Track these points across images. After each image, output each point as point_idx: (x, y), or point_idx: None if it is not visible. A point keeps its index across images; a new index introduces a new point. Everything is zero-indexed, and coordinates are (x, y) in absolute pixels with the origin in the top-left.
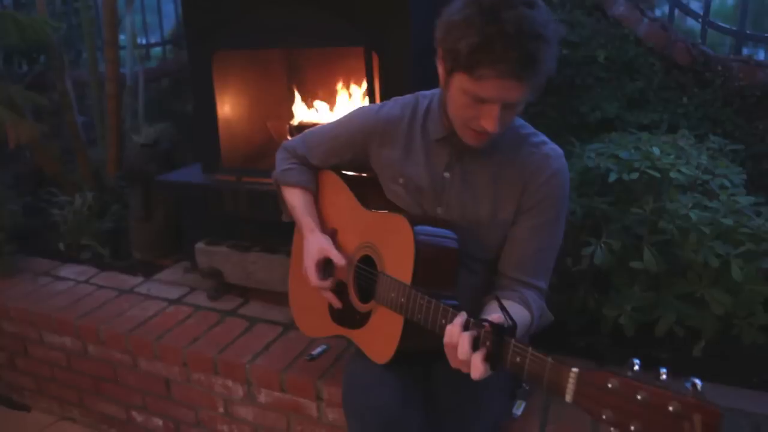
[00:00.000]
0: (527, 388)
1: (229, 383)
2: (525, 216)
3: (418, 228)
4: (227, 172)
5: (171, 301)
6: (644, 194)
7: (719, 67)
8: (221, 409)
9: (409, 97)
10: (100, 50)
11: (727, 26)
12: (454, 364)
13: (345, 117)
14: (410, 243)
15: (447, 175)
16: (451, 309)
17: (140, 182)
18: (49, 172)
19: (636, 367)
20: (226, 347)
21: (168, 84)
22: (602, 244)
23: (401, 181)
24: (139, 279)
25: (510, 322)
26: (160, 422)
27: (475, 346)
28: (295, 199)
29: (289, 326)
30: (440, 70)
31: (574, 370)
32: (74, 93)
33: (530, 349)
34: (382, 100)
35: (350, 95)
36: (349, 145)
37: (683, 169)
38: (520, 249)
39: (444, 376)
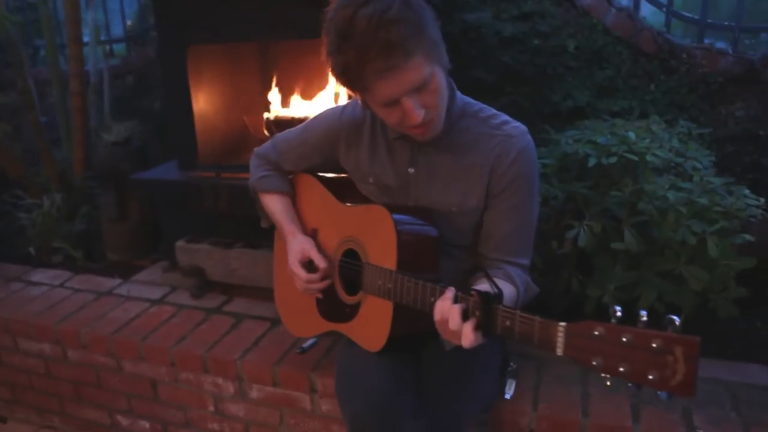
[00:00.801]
0: (515, 366)
1: (219, 381)
2: (497, 199)
3: (398, 217)
4: (205, 169)
5: (153, 302)
6: (622, 177)
7: (684, 55)
8: (211, 408)
9: None
10: (59, 47)
11: (690, 15)
12: (446, 337)
13: (310, 121)
14: (392, 231)
15: (411, 170)
16: (438, 287)
17: (113, 182)
18: (12, 175)
19: (618, 314)
20: (215, 345)
21: (133, 81)
22: (585, 227)
23: (371, 180)
24: (117, 281)
25: (496, 290)
26: (147, 425)
27: (465, 316)
28: (274, 204)
29: (277, 321)
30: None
31: (562, 324)
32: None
33: (518, 312)
34: None
35: (326, 88)
36: (317, 149)
37: (658, 153)
38: (498, 231)
39: (434, 359)
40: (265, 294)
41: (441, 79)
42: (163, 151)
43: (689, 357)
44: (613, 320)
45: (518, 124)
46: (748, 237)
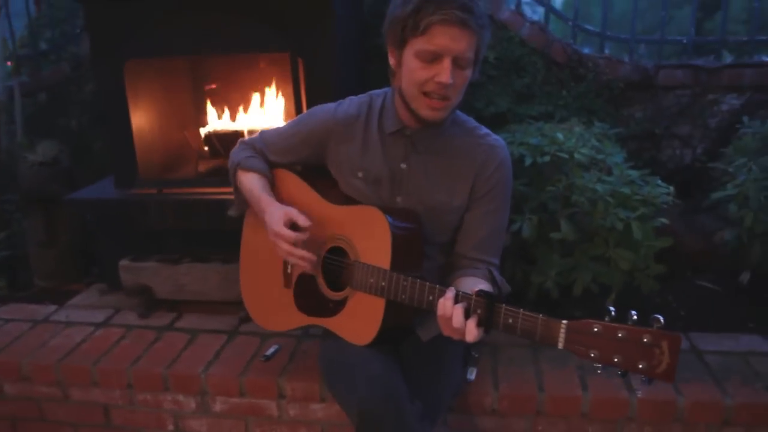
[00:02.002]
0: (476, 355)
1: (180, 397)
2: (479, 202)
3: (390, 218)
4: (146, 185)
5: (97, 325)
6: (554, 174)
7: (590, 64)
8: (171, 427)
9: (363, 96)
10: None
11: (592, 28)
12: (446, 332)
13: (304, 116)
14: (387, 232)
15: (404, 166)
16: (437, 286)
17: (40, 204)
18: None
19: (612, 313)
20: (174, 361)
21: (46, 98)
22: (527, 220)
23: (360, 174)
24: (52, 307)
25: (497, 290)
26: None
27: (466, 314)
28: (254, 182)
29: (234, 332)
30: (392, 59)
31: (564, 322)
32: None
33: (522, 310)
34: (308, 104)
35: (263, 101)
36: (307, 142)
37: (584, 151)
38: (477, 232)
39: (412, 351)
40: (216, 308)
41: (469, 77)
42: (89, 170)
43: (673, 350)
44: (607, 318)
45: (498, 137)
46: (663, 220)
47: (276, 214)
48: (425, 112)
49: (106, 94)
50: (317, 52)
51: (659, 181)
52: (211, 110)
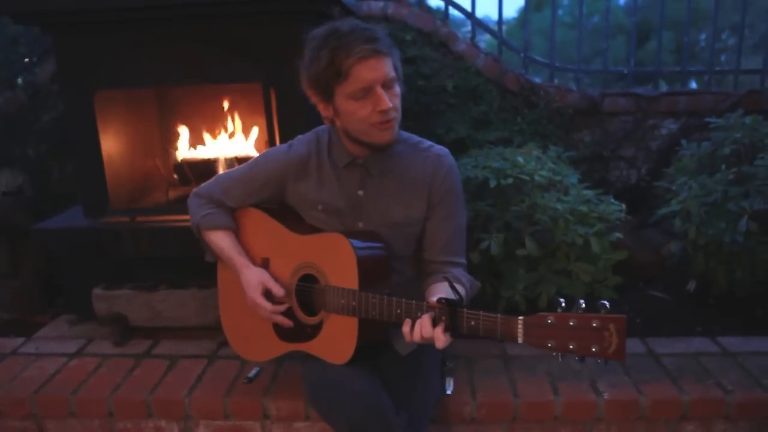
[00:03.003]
0: (451, 365)
1: (163, 423)
2: (436, 209)
3: (354, 241)
4: (116, 213)
5: (71, 356)
6: (516, 195)
7: (541, 92)
8: None
9: (309, 134)
10: None
11: (542, 59)
12: (416, 341)
13: (257, 160)
14: (351, 255)
15: (361, 192)
16: (403, 300)
17: (4, 235)
18: None
19: (563, 304)
20: (156, 387)
21: (1, 127)
22: (495, 238)
23: (320, 207)
24: (19, 340)
25: (458, 296)
26: None
27: (434, 323)
28: (221, 241)
29: (214, 356)
30: (322, 109)
31: (520, 318)
32: None
33: (481, 312)
34: (281, 133)
35: (232, 130)
36: (265, 185)
37: (543, 173)
38: (440, 236)
39: (391, 365)
40: (194, 333)
41: (400, 94)
42: (48, 200)
43: (620, 330)
44: (559, 309)
45: (441, 146)
46: (618, 235)
47: (252, 280)
48: (380, 139)
49: (75, 124)
50: (290, 82)
51: (612, 199)
52: (181, 138)
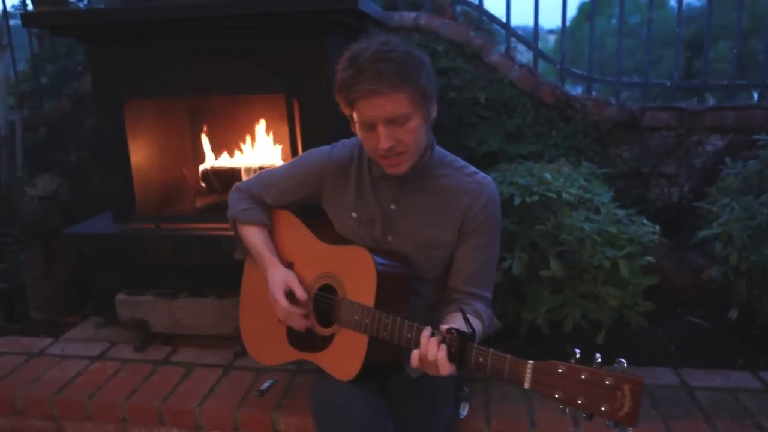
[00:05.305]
0: (468, 390)
1: (174, 431)
2: (468, 237)
3: (377, 258)
4: (144, 220)
5: (93, 359)
6: (543, 213)
7: (578, 105)
8: None
9: (353, 139)
10: None
11: (580, 71)
12: (424, 368)
13: (299, 159)
14: (372, 272)
15: (393, 206)
16: (416, 324)
17: (40, 237)
18: None
19: (577, 355)
20: (169, 395)
21: (46, 133)
22: (518, 258)
23: (354, 215)
24: (47, 340)
25: (471, 329)
26: None
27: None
28: (254, 236)
29: (229, 367)
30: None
31: (530, 362)
32: None
33: (491, 350)
34: (303, 144)
35: (254, 140)
36: (304, 184)
37: (571, 191)
38: (468, 266)
39: (401, 388)
40: (211, 342)
41: (419, 124)
42: (87, 204)
43: (635, 393)
44: (572, 360)
45: (485, 175)
46: (650, 259)
47: (277, 279)
48: (388, 171)
49: (107, 132)
50: (312, 93)
51: (645, 221)
52: (208, 147)
